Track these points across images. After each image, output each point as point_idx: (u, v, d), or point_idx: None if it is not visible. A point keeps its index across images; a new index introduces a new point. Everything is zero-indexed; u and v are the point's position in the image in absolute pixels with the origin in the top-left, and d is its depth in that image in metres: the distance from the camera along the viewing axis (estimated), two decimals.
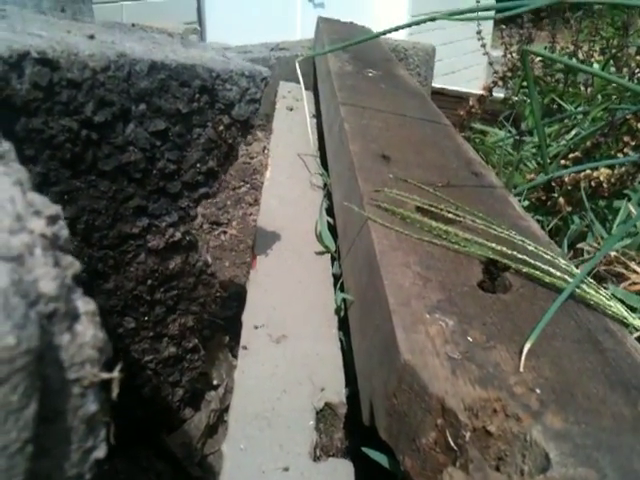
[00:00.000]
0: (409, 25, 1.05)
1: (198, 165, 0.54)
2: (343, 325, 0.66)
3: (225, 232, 1.30)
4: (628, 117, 0.91)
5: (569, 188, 0.87)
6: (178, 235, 0.56)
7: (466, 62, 6.19)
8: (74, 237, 0.47)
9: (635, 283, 0.63)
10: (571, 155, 0.93)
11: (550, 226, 0.88)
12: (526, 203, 0.94)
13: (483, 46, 1.88)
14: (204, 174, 0.56)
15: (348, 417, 0.54)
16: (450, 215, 0.62)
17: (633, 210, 0.81)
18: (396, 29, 1.06)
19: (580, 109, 1.53)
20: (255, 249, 0.76)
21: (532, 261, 0.54)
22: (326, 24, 2.10)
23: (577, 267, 0.64)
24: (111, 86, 0.45)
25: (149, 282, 0.57)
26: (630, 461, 0.35)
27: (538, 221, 0.93)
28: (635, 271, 0.65)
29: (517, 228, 0.67)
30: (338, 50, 1.49)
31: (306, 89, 1.95)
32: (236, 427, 0.46)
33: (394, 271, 0.51)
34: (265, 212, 0.87)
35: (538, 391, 0.39)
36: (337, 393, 0.53)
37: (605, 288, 0.58)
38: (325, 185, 1.01)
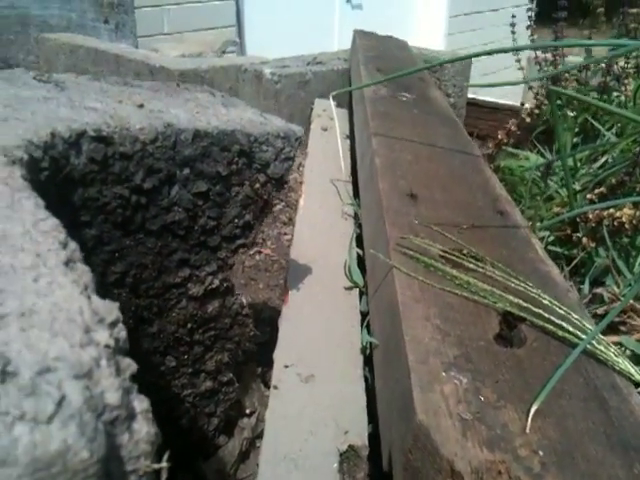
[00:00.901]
0: (452, 61, 1.08)
1: (236, 220, 0.59)
2: (369, 361, 0.70)
3: (260, 252, 1.34)
4: None
5: (593, 225, 0.89)
6: (216, 282, 0.61)
7: (506, 62, 6.16)
8: (123, 289, 0.53)
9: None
10: (597, 190, 0.95)
11: (575, 262, 0.91)
12: (552, 238, 0.96)
13: (520, 69, 1.90)
14: (241, 227, 0.60)
15: (370, 456, 0.58)
16: (471, 265, 0.65)
17: None
18: (440, 64, 1.09)
19: (612, 132, 1.53)
20: (288, 283, 0.81)
21: (546, 315, 0.57)
22: (362, 39, 2.14)
23: (593, 315, 0.67)
24: (159, 155, 0.50)
25: (189, 325, 0.62)
26: None
27: (564, 255, 0.95)
28: None
29: (537, 273, 0.70)
30: (375, 84, 1.52)
31: (340, 106, 1.99)
32: (266, 468, 0.51)
33: (415, 325, 0.55)
34: (298, 243, 0.92)
35: (541, 453, 0.43)
36: (360, 435, 0.57)
37: (620, 334, 0.61)
38: (356, 214, 1.05)
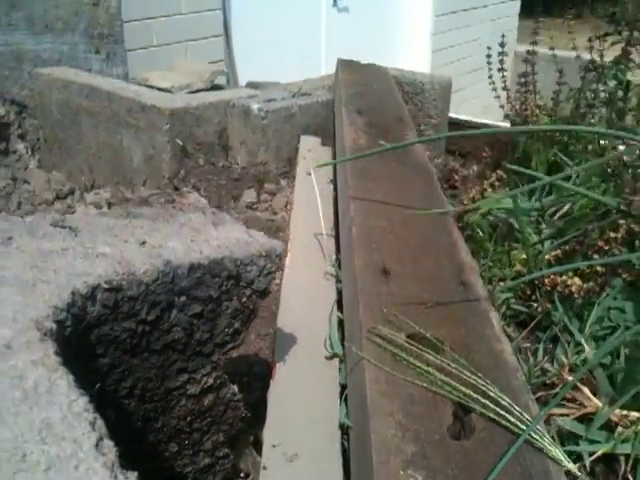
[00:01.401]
0: (436, 138, 1.17)
1: (226, 329, 0.68)
2: (347, 433, 0.80)
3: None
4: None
5: (548, 289, 0.99)
6: (211, 381, 0.71)
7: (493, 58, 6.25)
8: (132, 399, 0.62)
9: (584, 407, 0.76)
10: (554, 253, 1.05)
11: (535, 321, 1.01)
12: (511, 295, 1.06)
13: (501, 107, 2.01)
14: (231, 334, 0.70)
15: None
16: (431, 354, 0.75)
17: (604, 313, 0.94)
18: (431, 139, 1.19)
19: (579, 168, 1.63)
20: (275, 356, 0.90)
21: (492, 405, 0.68)
22: (344, 72, 2.22)
23: (543, 383, 0.78)
24: (160, 290, 0.60)
25: (188, 418, 0.71)
26: None
27: (524, 313, 1.06)
28: (588, 397, 0.77)
29: (492, 352, 0.80)
30: (353, 116, 1.62)
31: (325, 138, 2.09)
32: None
33: (380, 422, 0.65)
34: (284, 311, 1.01)
35: None
36: None
37: (563, 408, 0.71)
38: (337, 276, 1.15)
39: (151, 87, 2.51)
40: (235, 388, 0.78)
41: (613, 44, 1.86)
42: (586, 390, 0.78)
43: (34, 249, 0.58)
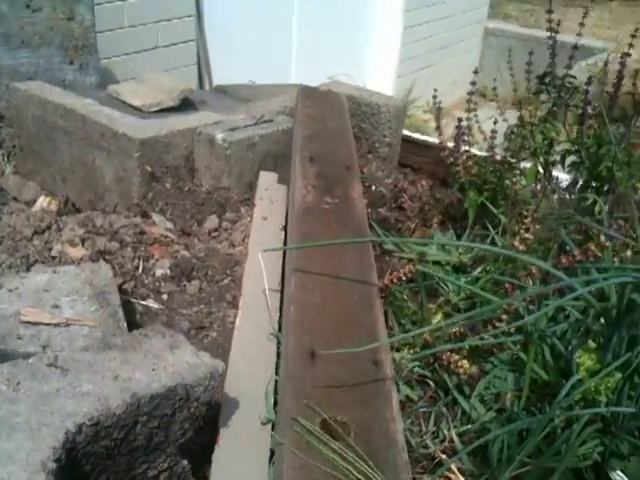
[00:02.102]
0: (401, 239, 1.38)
1: (178, 432, 0.89)
2: None
3: (207, 335, 1.66)
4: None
5: (445, 363, 1.24)
6: (165, 465, 0.92)
7: (463, 35, 6.48)
8: None
9: None
10: (454, 330, 1.29)
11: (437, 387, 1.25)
12: (418, 363, 1.30)
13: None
14: (182, 433, 0.91)
15: None
16: (337, 441, 0.98)
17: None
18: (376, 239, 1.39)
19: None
20: (220, 422, 1.13)
21: None
22: (304, 104, 2.40)
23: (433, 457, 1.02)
24: (128, 416, 0.80)
25: None
26: None
27: (430, 378, 1.30)
28: (453, 471, 1.02)
29: (387, 434, 1.04)
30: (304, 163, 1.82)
31: (283, 175, 2.28)
32: None
33: None
34: (231, 376, 1.23)
35: None
36: None
37: None
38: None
39: (123, 103, 2.66)
40: (185, 463, 1.00)
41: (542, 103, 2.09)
42: (453, 467, 1.03)
43: (37, 392, 0.78)
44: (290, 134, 2.48)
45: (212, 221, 2.20)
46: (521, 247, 1.36)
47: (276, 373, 1.27)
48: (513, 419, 1.12)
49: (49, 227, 1.84)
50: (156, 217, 2.19)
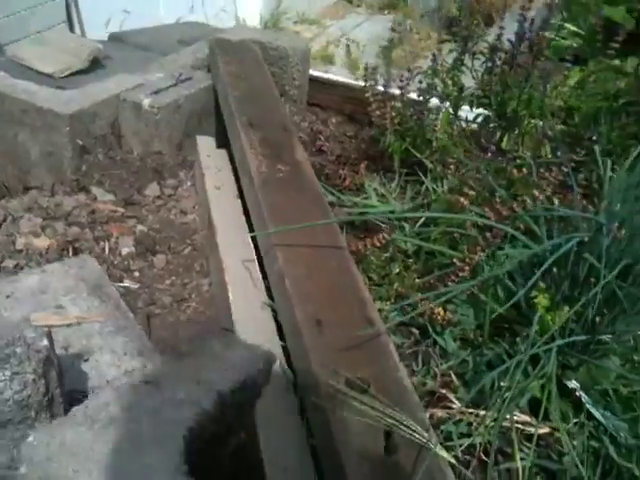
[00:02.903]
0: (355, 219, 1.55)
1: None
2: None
3: (189, 306, 1.81)
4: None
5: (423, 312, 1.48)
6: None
7: None
8: None
9: (451, 408, 1.27)
10: (423, 280, 1.53)
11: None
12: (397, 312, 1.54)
13: None
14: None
15: None
16: (360, 395, 1.21)
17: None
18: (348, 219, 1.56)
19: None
20: None
21: (403, 427, 1.16)
22: (223, 60, 2.46)
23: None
24: (218, 416, 0.98)
25: None
26: None
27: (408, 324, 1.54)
28: (452, 401, 1.28)
29: (396, 381, 1.27)
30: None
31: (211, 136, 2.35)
32: None
33: (349, 456, 1.11)
34: None
35: None
36: None
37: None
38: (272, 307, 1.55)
39: (29, 69, 2.57)
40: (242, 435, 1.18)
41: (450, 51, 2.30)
42: (451, 396, 1.30)
43: (148, 408, 0.93)
44: (211, 92, 2.54)
45: (153, 188, 2.27)
46: (466, 202, 1.60)
47: (280, 339, 1.46)
48: (482, 351, 1.40)
49: (4, 220, 1.86)
50: (96, 191, 2.23)
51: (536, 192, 1.53)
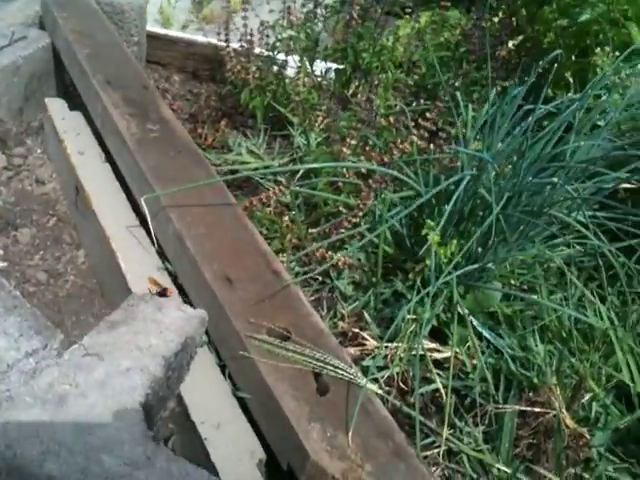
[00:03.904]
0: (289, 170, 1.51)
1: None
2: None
3: (67, 281, 1.71)
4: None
5: (319, 259, 1.54)
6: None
7: None
8: None
9: (364, 345, 1.35)
10: (315, 230, 1.58)
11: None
12: (296, 263, 1.58)
13: None
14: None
15: None
16: (285, 343, 1.24)
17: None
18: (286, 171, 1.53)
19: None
20: None
21: (332, 369, 1.22)
22: (61, 16, 2.27)
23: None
24: (163, 380, 0.95)
25: None
26: None
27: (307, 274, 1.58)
28: (365, 338, 1.36)
29: (313, 326, 1.32)
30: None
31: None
32: None
33: (284, 399, 1.14)
34: None
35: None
36: None
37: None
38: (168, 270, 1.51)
39: None
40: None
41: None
42: (364, 334, 1.38)
43: (95, 381, 0.86)
44: (50, 51, 2.35)
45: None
46: (348, 152, 1.67)
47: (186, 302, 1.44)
48: (378, 291, 1.50)
49: None
50: None
51: (415, 137, 1.64)
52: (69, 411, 0.85)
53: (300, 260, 1.59)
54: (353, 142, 1.68)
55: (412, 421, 1.26)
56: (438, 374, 1.30)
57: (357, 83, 2.27)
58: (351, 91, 2.27)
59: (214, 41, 2.70)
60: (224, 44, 2.33)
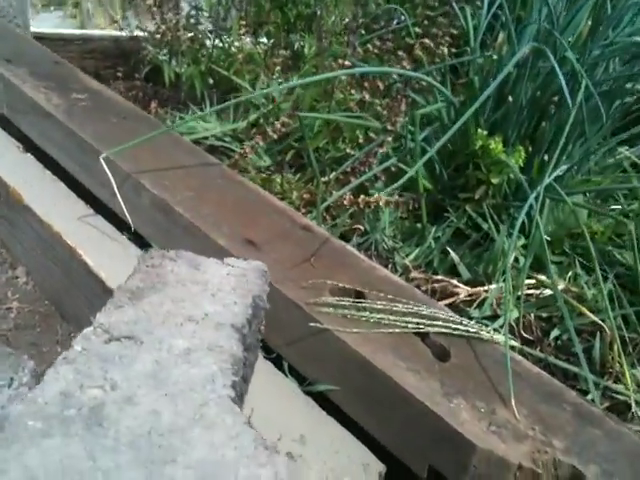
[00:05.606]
0: None
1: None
2: None
3: (10, 309, 1.24)
4: None
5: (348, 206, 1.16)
6: None
7: None
8: None
9: (457, 294, 0.99)
10: (334, 174, 1.20)
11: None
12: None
13: None
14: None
15: None
16: (365, 305, 0.86)
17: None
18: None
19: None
20: None
21: (436, 322, 0.84)
22: None
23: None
24: (242, 355, 0.55)
25: None
26: None
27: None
28: (457, 285, 1.00)
29: (380, 279, 0.94)
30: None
31: None
32: None
33: (393, 370, 0.76)
34: None
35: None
36: None
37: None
38: None
39: None
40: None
41: None
42: (454, 281, 1.01)
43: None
44: None
45: None
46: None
47: None
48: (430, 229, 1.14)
49: None
50: None
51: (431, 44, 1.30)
52: (118, 430, 0.43)
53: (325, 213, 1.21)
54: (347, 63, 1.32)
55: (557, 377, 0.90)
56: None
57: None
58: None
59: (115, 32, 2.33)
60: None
